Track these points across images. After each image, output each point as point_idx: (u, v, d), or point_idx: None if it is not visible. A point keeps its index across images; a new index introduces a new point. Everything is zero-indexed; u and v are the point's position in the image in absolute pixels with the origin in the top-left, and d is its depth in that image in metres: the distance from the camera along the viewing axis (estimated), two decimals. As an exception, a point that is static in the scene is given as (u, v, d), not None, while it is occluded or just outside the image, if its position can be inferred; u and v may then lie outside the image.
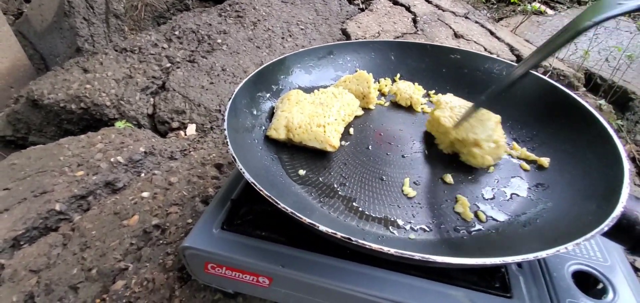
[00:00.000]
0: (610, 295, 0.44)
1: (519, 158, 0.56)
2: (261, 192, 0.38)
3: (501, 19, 1.92)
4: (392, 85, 0.72)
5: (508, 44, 1.47)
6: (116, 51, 1.32)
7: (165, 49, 1.37)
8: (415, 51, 0.74)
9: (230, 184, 0.56)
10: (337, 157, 0.56)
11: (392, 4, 1.64)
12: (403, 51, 0.75)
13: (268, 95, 0.64)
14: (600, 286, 0.46)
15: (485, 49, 1.40)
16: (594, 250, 0.50)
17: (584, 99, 1.43)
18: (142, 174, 0.84)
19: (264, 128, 0.59)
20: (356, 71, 0.76)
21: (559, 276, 0.46)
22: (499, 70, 0.68)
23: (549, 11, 1.99)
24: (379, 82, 0.73)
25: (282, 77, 0.68)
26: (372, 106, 0.68)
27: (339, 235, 0.33)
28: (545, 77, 0.64)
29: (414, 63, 0.74)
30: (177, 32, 1.44)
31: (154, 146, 0.92)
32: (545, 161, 0.53)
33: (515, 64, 0.68)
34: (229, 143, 0.45)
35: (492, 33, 1.51)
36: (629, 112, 1.51)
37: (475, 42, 1.41)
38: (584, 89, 1.46)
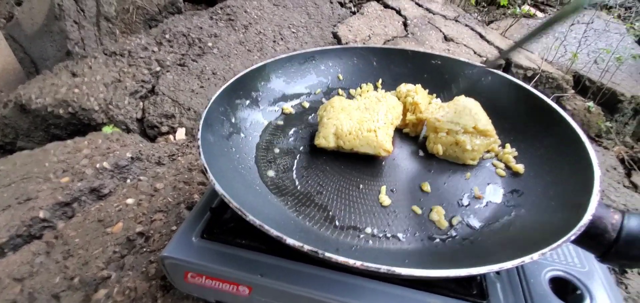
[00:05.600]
0: (588, 301, 0.45)
1: (500, 160, 0.57)
2: (230, 204, 0.38)
3: (491, 22, 1.94)
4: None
5: (498, 47, 1.48)
6: (106, 54, 1.32)
7: (155, 53, 1.37)
8: (397, 57, 0.75)
9: (212, 192, 0.56)
10: (316, 165, 0.57)
11: (383, 8, 1.64)
12: (385, 56, 0.76)
13: (247, 102, 0.64)
14: (578, 292, 0.47)
15: (475, 52, 1.40)
16: (572, 256, 0.51)
17: (568, 107, 1.44)
18: (128, 181, 0.84)
19: (243, 135, 0.60)
20: (339, 77, 0.76)
21: (536, 282, 0.47)
22: (478, 75, 0.69)
23: (539, 14, 2.02)
24: (361, 88, 0.74)
25: (262, 83, 0.68)
26: None
27: (306, 248, 0.33)
28: (522, 83, 0.64)
29: (396, 69, 0.75)
30: (167, 36, 1.44)
31: (141, 151, 0.92)
32: (520, 167, 0.54)
33: (491, 70, 0.69)
34: (201, 153, 0.45)
35: (482, 36, 1.52)
36: (618, 114, 1.52)
37: (465, 45, 1.42)
38: (573, 91, 1.47)
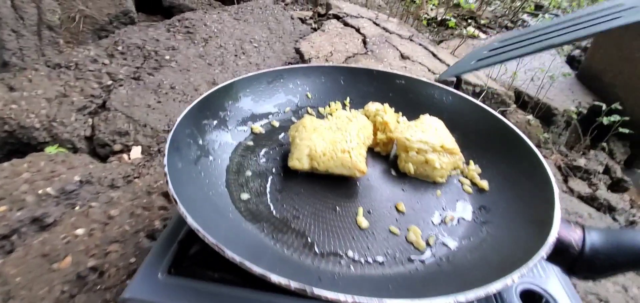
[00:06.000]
0: None
1: (465, 176, 0.60)
2: (205, 239, 0.35)
3: (441, 41, 2.07)
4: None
5: (448, 65, 1.58)
6: (48, 66, 1.21)
7: (106, 65, 1.28)
8: (363, 76, 0.77)
9: (178, 221, 0.52)
10: (290, 187, 0.55)
11: (343, 26, 1.68)
12: (352, 75, 0.77)
13: (215, 122, 0.61)
14: (543, 302, 0.50)
15: (429, 70, 1.48)
16: (537, 268, 0.54)
17: (512, 120, 1.56)
18: (77, 207, 0.76)
19: (212, 158, 0.57)
20: (307, 95, 0.76)
21: (508, 296, 0.49)
22: (439, 95, 0.73)
23: (482, 35, 2.22)
24: (329, 106, 0.74)
25: (229, 103, 0.65)
26: None
27: (293, 285, 0.32)
28: (480, 103, 0.69)
29: (363, 87, 0.76)
30: (120, 48, 1.35)
31: (91, 173, 0.84)
32: (484, 184, 0.57)
33: (453, 90, 0.73)
34: (169, 182, 0.42)
35: (434, 55, 1.61)
36: (553, 126, 1.68)
37: (420, 63, 1.49)
38: (515, 106, 1.61)
